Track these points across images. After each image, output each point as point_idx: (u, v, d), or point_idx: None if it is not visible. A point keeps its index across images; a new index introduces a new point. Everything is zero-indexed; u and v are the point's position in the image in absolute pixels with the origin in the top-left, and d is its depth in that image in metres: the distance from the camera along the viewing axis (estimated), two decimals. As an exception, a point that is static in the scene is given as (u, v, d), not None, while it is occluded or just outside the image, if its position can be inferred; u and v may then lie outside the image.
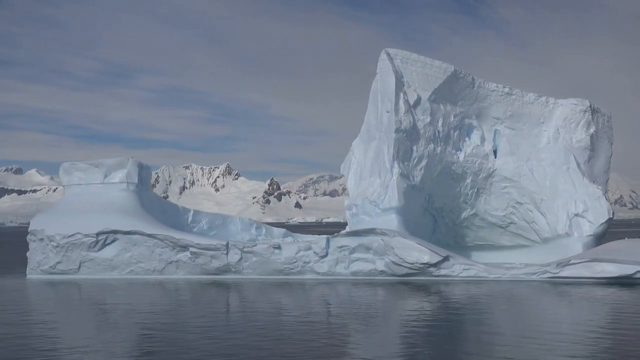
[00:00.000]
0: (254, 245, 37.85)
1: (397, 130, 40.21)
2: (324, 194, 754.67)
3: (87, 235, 39.39)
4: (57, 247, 39.83)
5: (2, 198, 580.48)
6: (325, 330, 21.63)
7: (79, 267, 39.78)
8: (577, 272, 33.33)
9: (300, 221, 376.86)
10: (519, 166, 43.44)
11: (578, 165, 42.56)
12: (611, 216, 40.72)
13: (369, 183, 40.94)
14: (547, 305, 27.06)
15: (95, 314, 25.84)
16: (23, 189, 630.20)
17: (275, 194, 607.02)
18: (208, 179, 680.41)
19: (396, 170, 39.78)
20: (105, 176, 42.70)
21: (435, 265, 34.85)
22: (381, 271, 35.84)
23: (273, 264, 37.41)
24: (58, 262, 39.97)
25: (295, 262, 37.16)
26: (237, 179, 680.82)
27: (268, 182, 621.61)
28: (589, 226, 40.46)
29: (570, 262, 33.84)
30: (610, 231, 43.71)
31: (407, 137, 40.85)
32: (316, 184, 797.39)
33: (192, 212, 47.50)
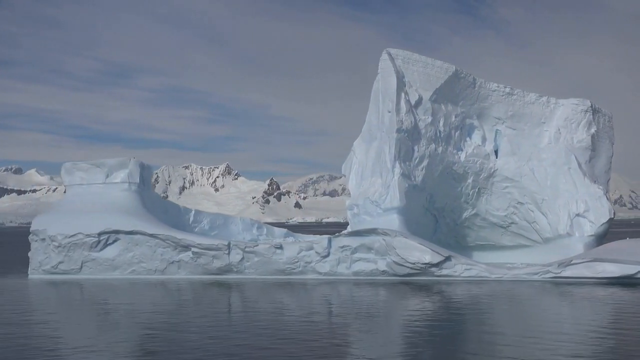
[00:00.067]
0: (256, 245, 37.88)
1: (399, 130, 40.25)
2: (324, 194, 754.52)
3: (88, 235, 39.41)
4: (59, 247, 39.86)
5: (2, 198, 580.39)
6: (327, 330, 21.65)
7: (81, 267, 39.81)
8: (579, 272, 33.37)
9: (300, 221, 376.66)
10: (520, 166, 43.48)
11: (579, 165, 42.59)
12: (612, 216, 40.75)
13: (371, 183, 40.99)
14: (548, 305, 27.10)
15: (97, 314, 25.87)
16: (23, 189, 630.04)
17: (275, 194, 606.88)
18: (208, 179, 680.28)
19: (397, 170, 39.82)
20: (107, 176, 42.72)
21: (436, 265, 34.89)
22: (383, 271, 35.88)
23: (275, 264, 37.44)
24: (60, 262, 39.99)
25: (297, 262, 37.19)
26: (236, 179, 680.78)
27: (268, 182, 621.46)
28: (590, 226, 40.49)
29: (571, 262, 33.88)
30: (611, 231, 43.74)
31: (408, 137, 40.90)
32: (316, 184, 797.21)
33: (193, 212, 47.52)
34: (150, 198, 44.08)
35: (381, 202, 39.72)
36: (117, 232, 39.31)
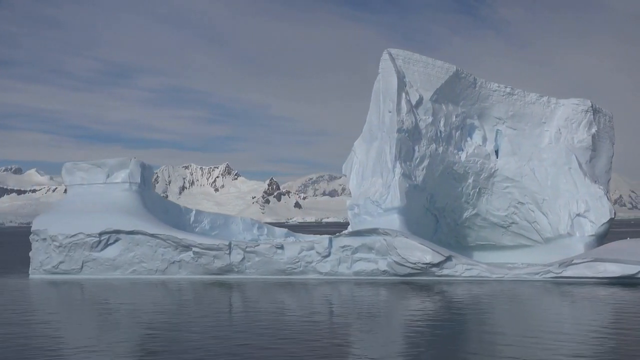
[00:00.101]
0: (257, 245, 37.90)
1: (399, 130, 40.28)
2: (324, 194, 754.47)
3: (89, 235, 39.43)
4: (59, 247, 39.87)
5: (2, 198, 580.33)
6: (328, 330, 21.67)
7: (82, 267, 39.82)
8: (580, 272, 33.39)
9: (300, 221, 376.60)
10: (521, 166, 43.50)
11: (580, 165, 42.61)
12: (613, 216, 40.78)
13: (371, 183, 41.01)
14: (549, 305, 27.12)
15: (98, 313, 25.87)
16: (22, 189, 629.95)
17: (275, 194, 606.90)
18: (207, 179, 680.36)
19: (398, 170, 39.85)
20: (108, 176, 42.74)
21: (437, 265, 34.91)
22: (384, 271, 35.90)
23: (276, 263, 37.46)
24: (61, 262, 40.01)
25: (298, 262, 37.21)
26: (236, 179, 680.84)
27: (267, 182, 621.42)
28: (591, 226, 40.52)
29: (572, 262, 33.89)
30: (611, 231, 43.77)
31: (409, 137, 40.92)
32: (316, 184, 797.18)
33: (194, 212, 47.54)
34: (151, 198, 44.11)
35: (382, 202, 39.74)
36: (118, 232, 39.33)
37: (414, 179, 40.85)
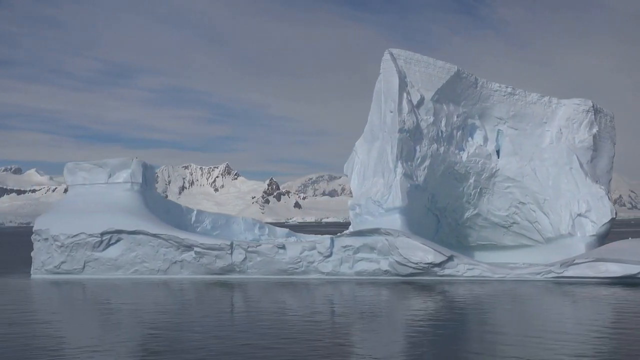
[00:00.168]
0: (259, 245, 37.94)
1: (401, 130, 40.33)
2: (323, 193, 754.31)
3: (91, 235, 39.46)
4: (61, 247, 39.91)
5: (1, 198, 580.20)
6: (330, 330, 21.70)
7: (84, 267, 39.86)
8: (581, 272, 33.44)
9: (300, 221, 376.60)
10: (522, 166, 43.54)
11: (581, 165, 42.66)
12: (614, 216, 40.83)
13: (373, 183, 41.05)
14: (551, 305, 27.17)
15: (100, 313, 25.90)
16: (22, 189, 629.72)
17: (275, 193, 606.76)
18: (207, 179, 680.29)
19: (399, 170, 39.90)
20: (110, 176, 42.78)
21: (439, 265, 34.95)
22: (385, 271, 35.94)
23: (277, 263, 37.50)
24: (62, 262, 40.04)
25: (300, 262, 37.25)
26: (236, 178, 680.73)
27: (267, 182, 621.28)
28: (592, 226, 40.58)
29: (574, 262, 33.94)
30: (611, 231, 43.80)
31: (410, 137, 40.97)
32: (315, 184, 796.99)
33: (195, 212, 47.57)
34: (152, 198, 44.14)
35: (383, 202, 39.78)
36: (119, 232, 39.36)
37: (415, 179, 40.90)
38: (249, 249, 37.69)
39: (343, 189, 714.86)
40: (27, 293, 33.68)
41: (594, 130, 44.15)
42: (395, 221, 38.39)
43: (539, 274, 34.38)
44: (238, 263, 37.88)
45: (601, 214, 40.64)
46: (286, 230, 51.22)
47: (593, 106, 44.62)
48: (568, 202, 41.49)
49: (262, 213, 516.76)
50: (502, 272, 35.00)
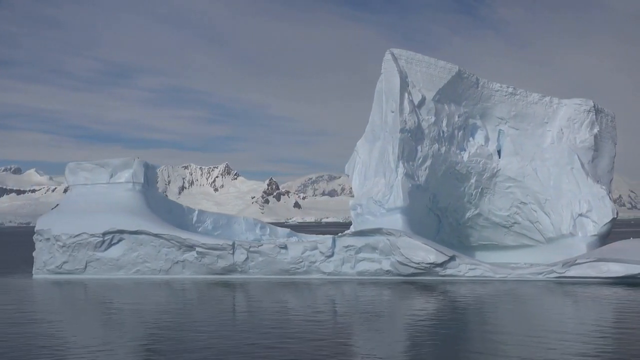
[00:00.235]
0: (260, 245, 37.97)
1: (402, 130, 40.36)
2: (323, 193, 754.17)
3: (93, 235, 39.48)
4: (63, 247, 39.93)
5: (1, 198, 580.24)
6: (332, 329, 21.73)
7: (85, 267, 39.87)
8: (583, 271, 33.47)
9: (299, 221, 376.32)
10: (523, 166, 43.58)
11: (582, 165, 42.71)
12: (615, 216, 40.89)
13: (374, 183, 41.08)
14: (553, 305, 27.20)
15: (102, 313, 25.93)
16: (22, 189, 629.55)
17: (274, 193, 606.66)
18: (207, 179, 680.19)
19: (401, 170, 39.93)
20: (111, 176, 42.79)
21: (441, 265, 34.98)
22: (387, 271, 35.97)
23: (279, 263, 37.53)
24: (64, 262, 40.06)
25: (302, 261, 37.28)
26: (236, 178, 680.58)
27: (267, 182, 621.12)
28: (593, 226, 40.62)
29: (576, 262, 33.97)
30: (612, 231, 43.85)
31: (411, 137, 41.01)
32: (315, 184, 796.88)
33: (196, 211, 47.59)
34: (154, 198, 44.15)
35: (384, 202, 39.81)
36: (121, 232, 39.39)
37: (416, 179, 40.93)
38: (251, 249, 37.72)
39: (343, 189, 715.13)
40: (29, 293, 33.71)
41: (595, 130, 44.19)
42: (396, 221, 38.42)
43: (540, 274, 34.42)
44: (240, 263, 37.91)
45: (602, 214, 40.69)
46: (287, 230, 51.23)
47: (594, 106, 44.67)
48: (569, 202, 41.54)
49: (262, 213, 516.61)
50: (503, 272, 35.03)
